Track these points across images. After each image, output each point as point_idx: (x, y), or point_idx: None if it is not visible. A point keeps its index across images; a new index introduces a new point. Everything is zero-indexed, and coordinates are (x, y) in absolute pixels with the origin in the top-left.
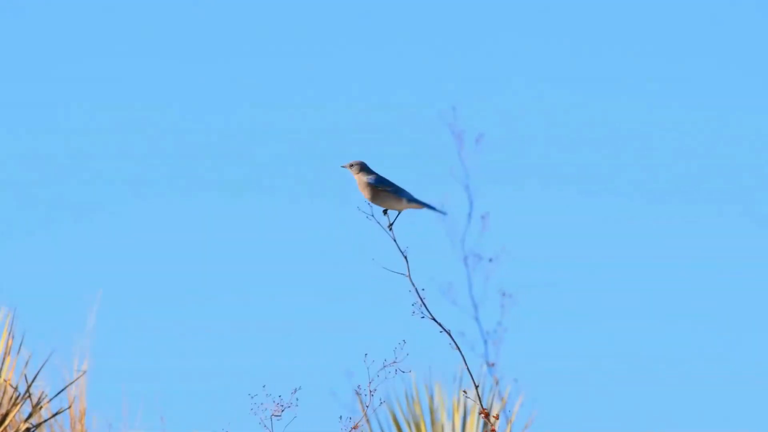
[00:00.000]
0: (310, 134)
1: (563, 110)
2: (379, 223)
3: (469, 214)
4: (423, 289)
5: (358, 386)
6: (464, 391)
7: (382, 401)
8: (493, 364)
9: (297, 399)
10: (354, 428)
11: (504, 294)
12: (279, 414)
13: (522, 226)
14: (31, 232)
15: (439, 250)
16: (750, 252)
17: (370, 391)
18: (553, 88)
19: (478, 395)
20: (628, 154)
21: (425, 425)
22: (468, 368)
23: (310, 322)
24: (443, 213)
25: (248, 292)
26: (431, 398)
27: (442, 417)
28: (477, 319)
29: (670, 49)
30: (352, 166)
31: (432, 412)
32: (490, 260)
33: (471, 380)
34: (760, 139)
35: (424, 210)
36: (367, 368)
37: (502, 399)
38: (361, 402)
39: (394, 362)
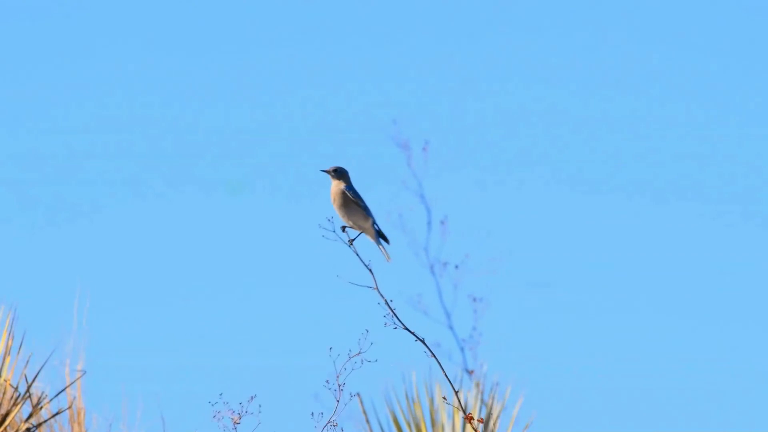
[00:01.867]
0: (310, 134)
1: (563, 110)
2: (340, 237)
3: (429, 222)
4: (391, 300)
5: (326, 381)
6: (443, 398)
7: (352, 395)
8: (472, 371)
9: (259, 406)
10: (331, 425)
11: (475, 299)
12: (238, 422)
13: (518, 226)
14: (31, 232)
15: (405, 262)
16: (750, 252)
17: (339, 385)
18: (553, 88)
19: (459, 400)
20: (628, 154)
21: (426, 426)
22: (446, 375)
23: (310, 321)
24: (388, 259)
25: (248, 291)
26: (431, 399)
27: (443, 417)
28: (451, 327)
29: (670, 49)
30: (335, 171)
31: (432, 412)
32: (456, 267)
33: (450, 386)
34: (760, 139)
35: (374, 244)
36: (334, 362)
37: (492, 402)
38: (360, 402)
39: (359, 353)
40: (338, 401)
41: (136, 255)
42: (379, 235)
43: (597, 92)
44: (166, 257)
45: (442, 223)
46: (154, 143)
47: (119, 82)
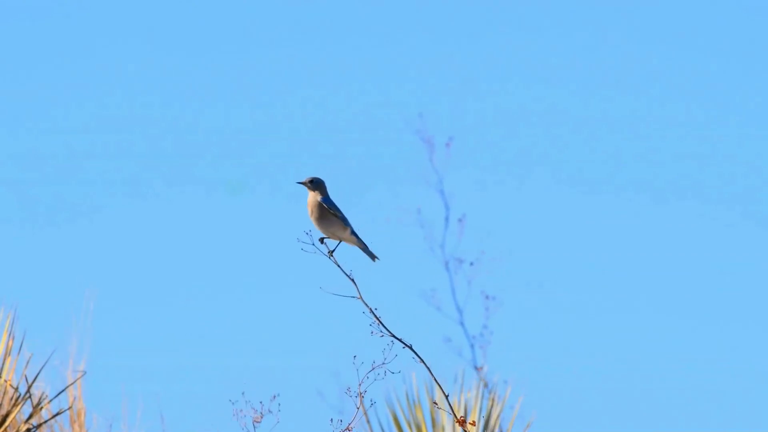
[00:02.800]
0: (310, 134)
1: (563, 110)
2: (319, 250)
3: (446, 219)
4: (376, 308)
5: (348, 388)
6: (435, 403)
7: (372, 402)
8: (481, 368)
9: (279, 405)
10: (347, 430)
11: (487, 297)
12: (259, 421)
13: (518, 227)
14: (31, 232)
15: (421, 257)
16: (750, 252)
17: (360, 393)
18: (553, 88)
19: (449, 404)
20: (628, 154)
21: (426, 427)
22: (436, 380)
23: (310, 322)
24: (376, 258)
25: (248, 291)
26: (432, 400)
27: (443, 418)
28: (462, 323)
29: (670, 49)
30: (312, 182)
31: (433, 413)
32: (471, 264)
33: (459, 389)
34: (760, 139)
35: (359, 251)
36: (357, 370)
37: (495, 401)
38: (362, 405)
39: (383, 364)
40: (358, 408)
41: (136, 255)
42: (362, 242)
43: (597, 92)
44: (166, 257)
45: (459, 221)
46: (154, 143)
47: (119, 82)
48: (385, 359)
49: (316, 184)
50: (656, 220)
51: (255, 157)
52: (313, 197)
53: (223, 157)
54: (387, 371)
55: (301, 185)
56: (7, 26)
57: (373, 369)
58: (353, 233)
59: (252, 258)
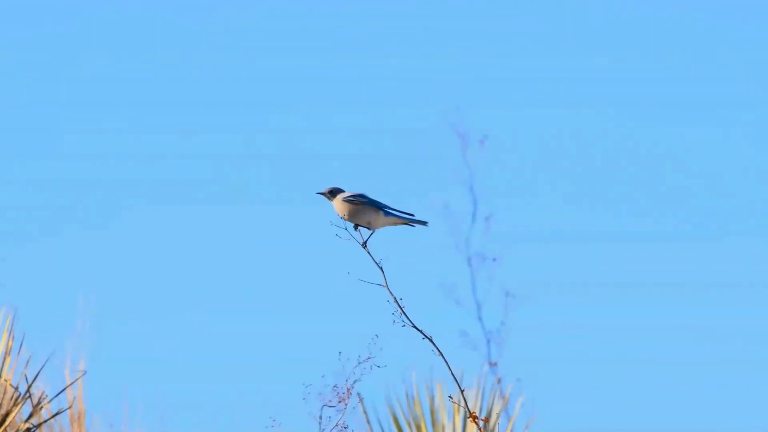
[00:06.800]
0: (310, 134)
1: (574, 114)
2: (353, 237)
3: (474, 215)
4: (401, 299)
5: (335, 385)
6: (450, 397)
7: (360, 398)
8: (495, 364)
9: (358, 393)
10: (336, 427)
11: (507, 294)
12: (341, 402)
13: (532, 227)
14: (32, 232)
15: (444, 251)
16: (750, 252)
17: (348, 389)
18: (557, 90)
19: (464, 399)
20: (628, 154)
21: (426, 426)
22: (452, 374)
23: (308, 323)
24: (424, 223)
25: (248, 291)
26: (432, 398)
27: (443, 417)
28: (480, 318)
29: (671, 48)
30: (331, 192)
31: (433, 412)
32: (494, 260)
33: (456, 385)
34: (761, 139)
35: (402, 225)
36: (343, 366)
37: (503, 398)
38: (363, 401)
39: (369, 358)
40: (346, 404)
41: (136, 255)
42: (401, 215)
43: (603, 97)
44: (166, 257)
45: (486, 219)
46: (154, 143)
47: (119, 82)
48: (370, 354)
49: (335, 194)
50: (657, 221)
51: (255, 157)
52: (336, 201)
53: (224, 157)
54: (373, 366)
55: (321, 195)
56: (8, 26)
57: (360, 364)
58: (388, 213)
59: (251, 258)
